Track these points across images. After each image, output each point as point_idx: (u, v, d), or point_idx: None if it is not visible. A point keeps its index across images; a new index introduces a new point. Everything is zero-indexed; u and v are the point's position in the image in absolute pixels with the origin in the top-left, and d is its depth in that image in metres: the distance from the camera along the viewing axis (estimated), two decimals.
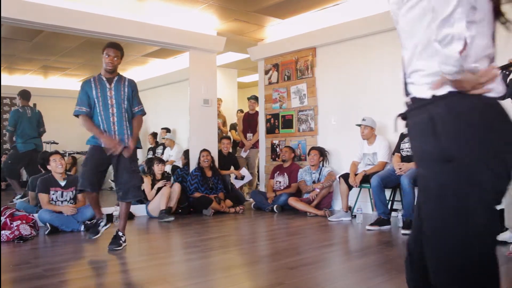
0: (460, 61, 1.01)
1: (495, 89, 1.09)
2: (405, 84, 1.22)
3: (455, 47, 1.00)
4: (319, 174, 5.62)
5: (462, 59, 1.01)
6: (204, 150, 5.90)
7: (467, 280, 1.14)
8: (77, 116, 3.55)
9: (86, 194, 3.61)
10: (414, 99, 1.17)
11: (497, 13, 1.14)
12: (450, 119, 1.07)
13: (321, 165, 5.68)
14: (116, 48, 3.55)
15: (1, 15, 4.24)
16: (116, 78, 3.62)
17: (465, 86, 1.07)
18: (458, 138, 1.07)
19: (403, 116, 1.25)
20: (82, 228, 4.33)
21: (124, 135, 3.59)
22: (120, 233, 3.58)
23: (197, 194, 5.65)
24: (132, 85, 3.70)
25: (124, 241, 3.58)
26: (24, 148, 5.78)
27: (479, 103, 1.07)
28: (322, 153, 5.71)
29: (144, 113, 3.79)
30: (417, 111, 1.14)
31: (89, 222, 4.35)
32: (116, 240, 3.55)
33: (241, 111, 8.42)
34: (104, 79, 3.58)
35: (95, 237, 3.62)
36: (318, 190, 5.45)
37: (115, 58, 3.54)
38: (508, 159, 1.10)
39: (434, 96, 1.10)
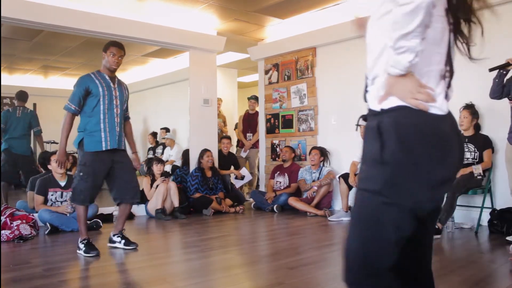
0: (408, 68, 1.15)
1: (439, 107, 1.20)
2: (365, 91, 1.34)
3: (407, 57, 1.13)
4: (319, 174, 5.62)
5: (410, 66, 1.16)
6: (208, 150, 5.90)
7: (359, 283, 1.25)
8: (66, 110, 3.38)
9: (83, 208, 3.40)
10: (369, 109, 1.31)
11: (458, 33, 1.28)
12: (392, 130, 1.20)
13: (321, 165, 5.68)
14: (121, 47, 3.49)
15: (1, 14, 4.24)
16: (116, 79, 3.56)
17: (401, 94, 1.19)
18: (395, 146, 1.19)
19: (365, 117, 1.37)
20: None
21: (122, 137, 3.53)
22: (125, 234, 3.64)
23: (197, 195, 5.66)
24: (128, 89, 3.69)
25: None
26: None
27: (420, 119, 1.19)
28: (323, 153, 5.72)
29: (129, 118, 3.82)
30: (371, 117, 1.28)
31: (88, 222, 4.35)
32: (130, 240, 3.59)
33: None
34: (107, 77, 3.47)
35: (96, 252, 3.33)
36: (315, 188, 5.46)
37: (120, 58, 3.47)
38: (436, 175, 1.20)
39: (382, 110, 1.23)
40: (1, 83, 7.29)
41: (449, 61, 1.25)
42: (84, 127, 3.38)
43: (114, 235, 3.63)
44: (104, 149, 3.35)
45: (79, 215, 3.41)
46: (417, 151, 1.18)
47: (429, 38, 1.18)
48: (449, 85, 1.27)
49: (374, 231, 1.23)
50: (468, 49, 1.31)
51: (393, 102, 1.21)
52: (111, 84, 3.45)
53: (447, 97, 1.27)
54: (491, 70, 3.66)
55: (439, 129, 1.20)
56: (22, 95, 5.94)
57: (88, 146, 3.34)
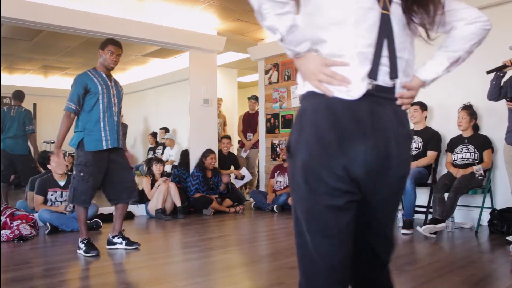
0: (286, 47, 1.08)
1: (345, 91, 1.08)
2: None
3: (276, 37, 1.07)
4: None
5: (288, 45, 1.07)
6: (212, 152, 5.89)
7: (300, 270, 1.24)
8: (66, 110, 3.33)
9: (84, 209, 3.38)
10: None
11: (411, 15, 1.13)
12: (297, 117, 1.15)
13: None
14: (119, 45, 3.45)
15: (1, 14, 4.24)
16: (112, 77, 3.52)
17: (306, 76, 1.11)
18: (293, 134, 1.14)
19: None
20: None
21: (120, 136, 3.47)
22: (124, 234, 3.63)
23: (197, 194, 5.65)
24: (122, 88, 3.63)
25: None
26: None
27: (318, 104, 1.10)
28: None
29: None
30: None
31: (88, 222, 4.33)
32: (131, 240, 3.56)
33: None
34: (104, 75, 3.43)
35: (96, 252, 3.33)
36: None
37: (118, 56, 3.42)
38: (334, 163, 1.08)
39: (300, 95, 1.17)
40: (1, 83, 7.29)
41: (388, 45, 1.10)
42: (84, 126, 3.33)
43: (113, 237, 3.58)
44: (105, 148, 3.31)
45: (79, 215, 3.39)
46: (310, 138, 1.09)
47: (334, 19, 1.08)
48: (393, 74, 1.11)
49: (296, 232, 1.21)
50: (427, 32, 1.17)
51: (305, 88, 1.15)
52: (109, 82, 3.42)
53: (396, 88, 1.13)
54: (488, 72, 3.67)
55: (339, 114, 1.07)
56: (19, 95, 5.86)
57: (88, 145, 3.30)
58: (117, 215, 3.57)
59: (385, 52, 1.10)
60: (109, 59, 3.39)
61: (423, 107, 4.60)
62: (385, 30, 1.09)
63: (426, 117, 4.65)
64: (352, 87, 1.07)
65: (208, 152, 5.87)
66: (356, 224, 1.15)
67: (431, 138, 4.51)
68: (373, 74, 1.09)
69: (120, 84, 3.61)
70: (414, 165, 4.33)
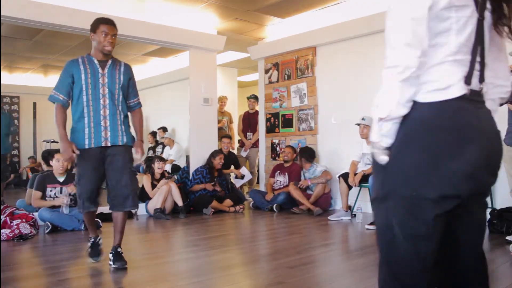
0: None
1: (445, 88, 1.15)
2: None
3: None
4: (312, 175, 5.66)
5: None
6: (221, 152, 5.92)
7: (383, 273, 1.28)
8: (52, 102, 2.89)
9: (87, 213, 3.03)
10: None
11: (500, 17, 1.19)
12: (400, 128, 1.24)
13: (314, 165, 5.71)
14: (113, 24, 2.92)
15: (2, 13, 4.23)
16: (110, 63, 2.96)
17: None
18: (397, 143, 1.25)
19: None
20: (83, 227, 4.32)
21: (118, 131, 2.94)
22: (120, 250, 2.99)
23: (196, 187, 5.67)
24: (129, 71, 3.06)
25: None
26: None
27: (430, 113, 1.17)
28: (301, 151, 5.83)
29: (141, 106, 3.22)
30: None
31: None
32: (121, 257, 2.96)
33: None
34: (96, 62, 2.92)
35: (100, 258, 3.10)
36: (309, 182, 5.50)
37: (113, 37, 2.90)
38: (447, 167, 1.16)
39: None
40: (1, 82, 7.28)
41: (480, 51, 1.17)
42: (72, 121, 2.94)
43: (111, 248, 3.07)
44: (87, 147, 2.86)
45: (84, 218, 3.15)
46: (417, 146, 1.20)
47: (441, 29, 1.14)
48: (482, 78, 1.19)
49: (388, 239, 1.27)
50: (510, 31, 1.20)
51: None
52: (100, 70, 2.91)
53: (484, 93, 1.21)
54: None
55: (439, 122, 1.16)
56: None
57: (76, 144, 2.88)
58: (113, 226, 3.04)
59: (478, 58, 1.17)
60: (104, 41, 2.87)
61: None
62: (480, 36, 1.16)
63: None
64: (452, 88, 1.15)
65: (217, 152, 5.90)
66: None
67: None
68: (468, 79, 1.16)
69: (122, 68, 3.02)
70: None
